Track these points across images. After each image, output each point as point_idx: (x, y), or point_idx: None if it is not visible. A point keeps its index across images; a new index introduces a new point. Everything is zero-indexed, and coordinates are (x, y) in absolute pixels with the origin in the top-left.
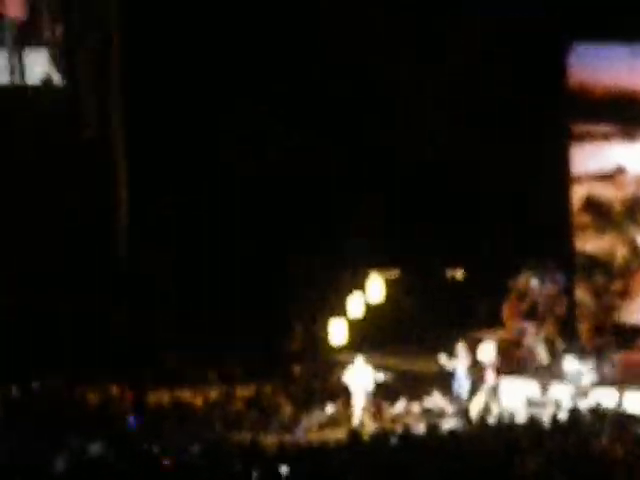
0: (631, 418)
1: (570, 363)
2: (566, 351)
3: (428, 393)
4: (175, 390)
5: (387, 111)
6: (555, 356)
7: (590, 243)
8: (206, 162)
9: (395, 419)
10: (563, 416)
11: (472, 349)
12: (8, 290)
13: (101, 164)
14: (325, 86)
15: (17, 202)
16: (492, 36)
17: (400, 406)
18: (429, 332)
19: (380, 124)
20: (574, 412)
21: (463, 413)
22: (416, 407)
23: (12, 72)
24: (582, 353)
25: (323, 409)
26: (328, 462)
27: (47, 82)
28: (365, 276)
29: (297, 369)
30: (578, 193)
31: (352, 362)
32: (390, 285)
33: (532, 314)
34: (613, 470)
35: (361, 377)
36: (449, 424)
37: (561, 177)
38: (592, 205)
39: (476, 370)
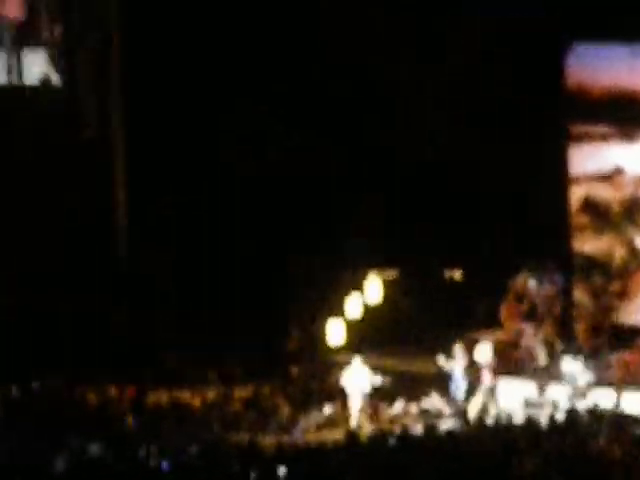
0: (629, 419)
1: (568, 364)
2: (564, 352)
3: (426, 394)
4: (174, 390)
5: (387, 111)
6: (553, 357)
7: (588, 244)
8: (206, 162)
9: (393, 420)
10: (561, 417)
11: (469, 350)
12: (8, 290)
13: (100, 164)
14: (325, 86)
15: (16, 202)
16: (492, 36)
17: (398, 407)
18: (427, 333)
19: (380, 124)
20: (572, 413)
21: (461, 414)
22: (414, 408)
23: (9, 72)
24: (579, 353)
25: (321, 410)
26: (326, 463)
27: (45, 82)
28: (364, 276)
29: (295, 370)
30: (576, 194)
31: (349, 363)
32: (388, 286)
33: (530, 315)
34: (611, 471)
35: (358, 378)
36: (447, 425)
37: (560, 178)
38: (590, 206)
39: (473, 371)
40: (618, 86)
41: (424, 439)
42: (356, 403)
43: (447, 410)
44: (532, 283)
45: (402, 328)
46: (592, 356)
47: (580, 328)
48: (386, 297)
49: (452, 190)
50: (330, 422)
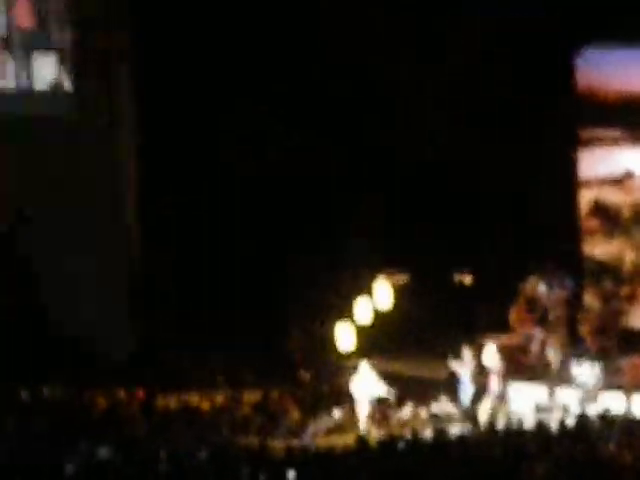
0: None
1: (577, 367)
2: (574, 355)
3: (435, 398)
4: (182, 394)
5: (387, 111)
6: (565, 361)
7: (599, 248)
8: (206, 162)
9: (402, 424)
10: (571, 421)
11: (478, 354)
12: (8, 290)
13: (111, 166)
14: (325, 86)
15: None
16: (492, 36)
17: (407, 411)
18: (436, 337)
19: (380, 124)
20: (582, 418)
21: (470, 418)
22: (423, 412)
23: (19, 77)
24: (587, 356)
25: (330, 414)
26: (335, 467)
27: (56, 86)
28: (370, 280)
29: (304, 374)
30: (586, 197)
31: (357, 368)
32: (397, 290)
33: (541, 320)
34: (621, 476)
35: (365, 384)
36: (456, 429)
37: (566, 180)
38: (601, 210)
39: (482, 376)
40: (629, 90)
41: (434, 444)
42: (363, 409)
43: (457, 415)
44: (542, 287)
45: (411, 333)
46: (601, 358)
47: (585, 330)
48: (395, 302)
49: (452, 190)
50: (339, 426)
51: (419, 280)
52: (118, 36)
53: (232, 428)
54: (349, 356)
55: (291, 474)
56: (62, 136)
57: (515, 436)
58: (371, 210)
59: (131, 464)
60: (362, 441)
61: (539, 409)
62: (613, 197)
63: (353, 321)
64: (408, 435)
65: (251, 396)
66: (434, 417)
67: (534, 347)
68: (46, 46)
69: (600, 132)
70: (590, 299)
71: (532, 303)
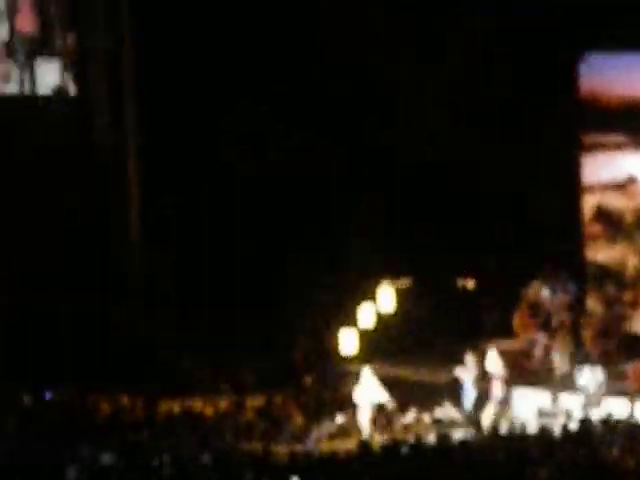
0: None
1: (581, 372)
2: (578, 360)
3: (439, 403)
4: (186, 399)
5: (387, 111)
6: (570, 366)
7: (601, 253)
8: (206, 162)
9: (406, 429)
10: (574, 426)
11: (481, 360)
12: (8, 290)
13: (114, 167)
14: (325, 86)
15: (19, 204)
16: (492, 36)
17: (410, 416)
18: (440, 342)
19: (380, 124)
20: (585, 422)
21: (473, 423)
22: (426, 417)
23: (22, 83)
24: (588, 360)
25: (333, 419)
26: (338, 472)
27: (59, 91)
28: (372, 283)
29: (308, 379)
30: (589, 202)
31: (360, 374)
32: (400, 294)
33: (544, 324)
34: None
35: (367, 389)
36: (460, 434)
37: (567, 180)
38: (603, 215)
39: (484, 381)
40: (632, 95)
41: (437, 448)
42: (365, 414)
43: (460, 419)
44: (545, 292)
45: (415, 337)
46: (603, 363)
47: (587, 334)
48: (399, 306)
49: (452, 190)
50: (342, 431)
51: (419, 281)
52: (118, 37)
53: (235, 433)
54: (352, 360)
55: (294, 479)
56: (62, 136)
57: (518, 441)
58: (371, 210)
59: (134, 469)
60: (365, 446)
61: (542, 414)
62: (616, 202)
63: (356, 325)
64: (411, 440)
65: (254, 401)
66: (437, 422)
67: (537, 352)
68: (49, 51)
69: (603, 137)
70: (593, 304)
71: (535, 308)
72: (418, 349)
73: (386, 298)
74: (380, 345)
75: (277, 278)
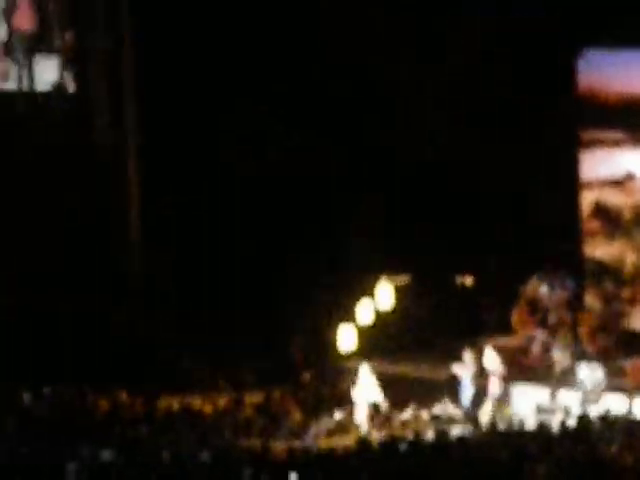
0: None
1: (579, 369)
2: (577, 357)
3: (437, 400)
4: (185, 397)
5: (387, 111)
6: (569, 363)
7: (600, 249)
8: (206, 162)
9: (404, 425)
10: (572, 423)
11: (479, 357)
12: (8, 290)
13: (113, 166)
14: (325, 86)
15: (19, 204)
16: (492, 36)
17: (409, 413)
18: (438, 339)
19: (380, 124)
20: (583, 419)
21: (471, 420)
22: (425, 414)
23: (21, 81)
24: (585, 357)
25: (332, 416)
26: (337, 469)
27: (58, 88)
28: (371, 281)
29: (306, 375)
30: (587, 199)
31: (358, 370)
32: (399, 291)
33: (543, 321)
34: (622, 477)
35: (365, 386)
36: (458, 431)
37: (567, 181)
38: (602, 211)
39: (482, 378)
40: (630, 92)
41: (435, 445)
42: (362, 411)
43: (458, 416)
44: (544, 289)
45: (413, 335)
46: (600, 359)
47: (583, 331)
48: (397, 303)
49: (452, 190)
50: (341, 428)
51: (419, 281)
52: (118, 37)
53: (234, 430)
54: (350, 357)
55: (293, 476)
56: (62, 136)
57: (516, 437)
58: (371, 210)
59: (133, 466)
60: (363, 442)
61: (540, 410)
62: (614, 199)
63: (355, 322)
64: (410, 436)
65: (253, 398)
66: (436, 419)
67: (535, 348)
68: (47, 49)
69: (601, 134)
70: (591, 300)
71: (534, 305)
72: (417, 346)
73: (385, 295)
74: (379, 342)
75: (277, 278)
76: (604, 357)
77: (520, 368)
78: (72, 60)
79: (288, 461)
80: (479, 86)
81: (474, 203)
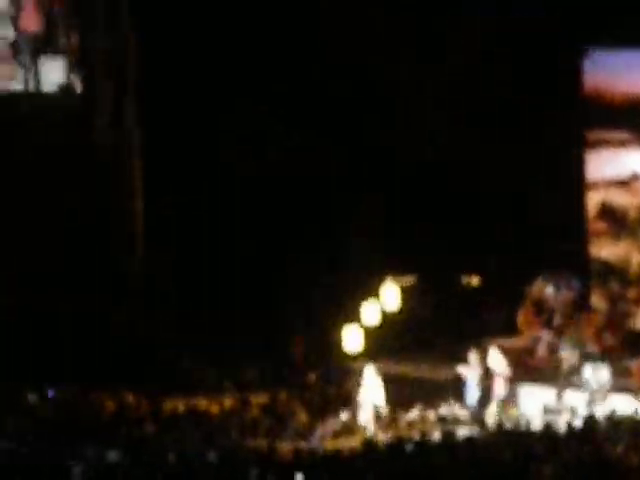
0: None
1: (586, 369)
2: (583, 357)
3: (443, 401)
4: (191, 397)
5: (387, 111)
6: (576, 363)
7: (605, 249)
8: (206, 162)
9: (410, 426)
10: (578, 423)
11: (485, 358)
12: (8, 290)
13: (117, 166)
14: (325, 86)
15: (19, 204)
16: (492, 36)
17: (415, 413)
18: (444, 339)
19: (380, 124)
20: (590, 419)
21: (477, 421)
22: (431, 415)
23: (27, 82)
24: (594, 358)
25: (338, 417)
26: (343, 470)
27: (64, 89)
28: (376, 281)
29: (312, 376)
30: (593, 199)
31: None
32: (404, 292)
33: (548, 321)
34: (628, 478)
35: (370, 387)
36: (464, 432)
37: (569, 181)
38: (607, 212)
39: (487, 379)
40: (636, 92)
41: (441, 446)
42: (367, 412)
43: (464, 417)
44: (549, 289)
45: (419, 335)
46: (606, 360)
47: (589, 331)
48: (403, 304)
49: (452, 190)
50: (347, 429)
51: (420, 281)
52: (118, 37)
53: (241, 430)
54: (355, 358)
55: (299, 476)
56: (62, 136)
57: (523, 438)
58: (371, 210)
59: (139, 466)
60: (369, 443)
61: (547, 411)
62: (620, 199)
63: (360, 323)
64: (416, 437)
65: (259, 398)
66: (442, 419)
67: (541, 349)
68: (53, 50)
69: (607, 134)
70: (597, 300)
71: (539, 305)
72: (422, 347)
73: (390, 295)
74: (385, 342)
75: (277, 278)
76: (610, 357)
77: (526, 369)
78: (77, 61)
79: (294, 462)
80: (479, 86)
81: (474, 203)
